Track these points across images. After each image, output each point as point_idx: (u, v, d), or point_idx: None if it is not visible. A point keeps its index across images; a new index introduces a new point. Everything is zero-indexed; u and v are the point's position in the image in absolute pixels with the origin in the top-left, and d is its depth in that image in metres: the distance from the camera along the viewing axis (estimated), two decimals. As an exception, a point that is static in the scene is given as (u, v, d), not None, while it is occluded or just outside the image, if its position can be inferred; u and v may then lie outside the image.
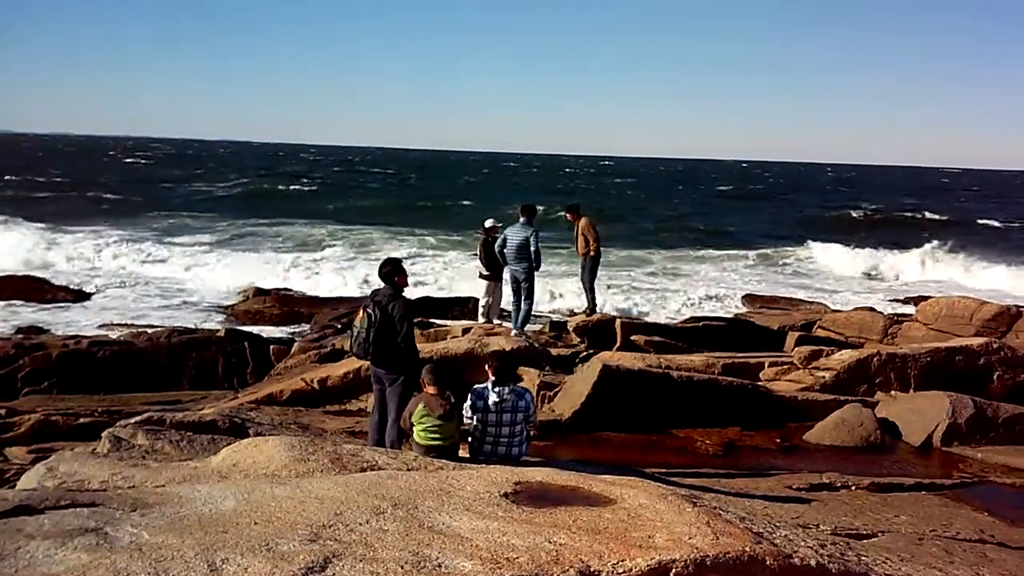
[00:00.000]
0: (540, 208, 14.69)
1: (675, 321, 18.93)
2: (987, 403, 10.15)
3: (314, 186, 74.21)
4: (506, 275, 13.50)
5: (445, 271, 29.67)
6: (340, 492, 4.51)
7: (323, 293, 25.39)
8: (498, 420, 6.99)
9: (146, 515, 4.01)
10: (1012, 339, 13.53)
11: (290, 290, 25.35)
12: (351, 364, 10.90)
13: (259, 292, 24.25)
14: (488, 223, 14.20)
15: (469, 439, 7.16)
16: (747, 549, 3.99)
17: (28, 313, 20.78)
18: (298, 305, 22.82)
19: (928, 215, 58.44)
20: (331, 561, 3.55)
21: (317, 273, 28.71)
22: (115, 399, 12.73)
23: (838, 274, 33.64)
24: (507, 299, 14.01)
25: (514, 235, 12.86)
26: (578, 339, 14.32)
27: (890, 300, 26.12)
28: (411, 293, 9.43)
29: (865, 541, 5.96)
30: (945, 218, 56.63)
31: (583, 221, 14.45)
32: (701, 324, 15.74)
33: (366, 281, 26.26)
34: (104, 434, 6.88)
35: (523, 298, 13.11)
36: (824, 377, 11.57)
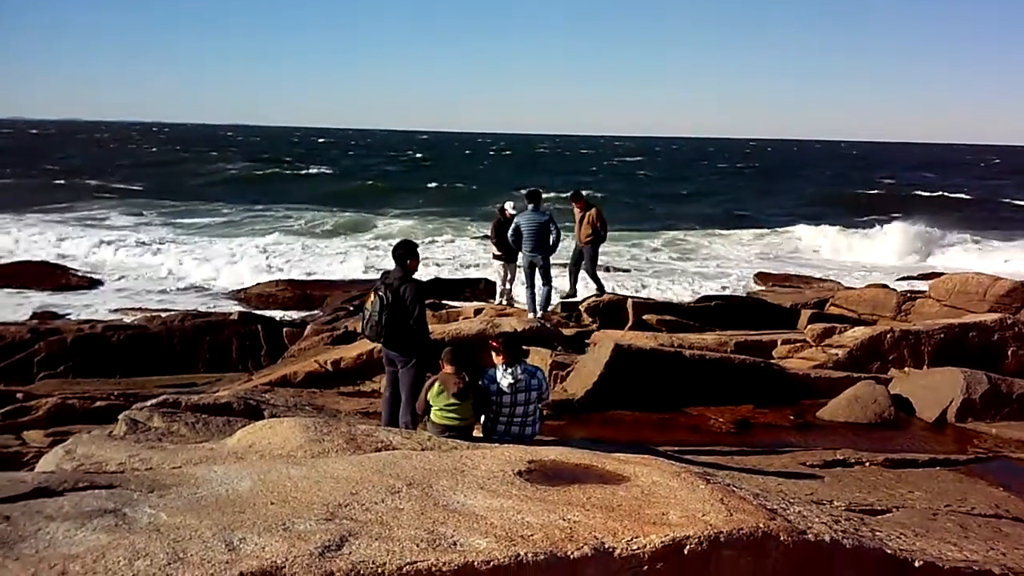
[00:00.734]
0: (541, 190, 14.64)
1: (687, 300, 18.91)
2: (1001, 379, 10.12)
3: (334, 169, 74.23)
4: (520, 261, 13.55)
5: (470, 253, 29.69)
6: (355, 472, 4.54)
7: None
8: (513, 400, 7.00)
9: (164, 496, 4.05)
10: (1026, 315, 13.45)
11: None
12: (364, 346, 10.94)
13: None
14: (508, 206, 14.30)
15: (483, 420, 7.19)
16: (761, 525, 4.00)
17: (43, 298, 20.92)
18: (310, 288, 22.88)
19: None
20: (347, 540, 3.58)
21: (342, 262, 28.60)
22: (130, 382, 12.83)
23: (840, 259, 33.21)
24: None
25: (529, 222, 12.92)
26: (590, 319, 14.30)
27: (903, 278, 26.01)
28: (423, 275, 9.48)
29: (879, 517, 5.96)
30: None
31: (593, 211, 14.36)
32: (713, 303, 15.69)
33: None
34: (120, 417, 6.93)
35: (542, 283, 13.24)
36: (837, 354, 11.54)
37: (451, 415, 6.90)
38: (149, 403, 7.64)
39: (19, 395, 11.01)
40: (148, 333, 14.65)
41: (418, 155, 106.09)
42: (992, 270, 19.93)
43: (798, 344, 12.42)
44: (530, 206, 13.04)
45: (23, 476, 4.49)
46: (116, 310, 19.59)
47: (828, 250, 34.58)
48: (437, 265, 26.76)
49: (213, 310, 18.90)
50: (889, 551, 4.33)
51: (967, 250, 32.91)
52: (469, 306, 16.53)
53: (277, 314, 18.94)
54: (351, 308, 18.54)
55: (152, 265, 27.11)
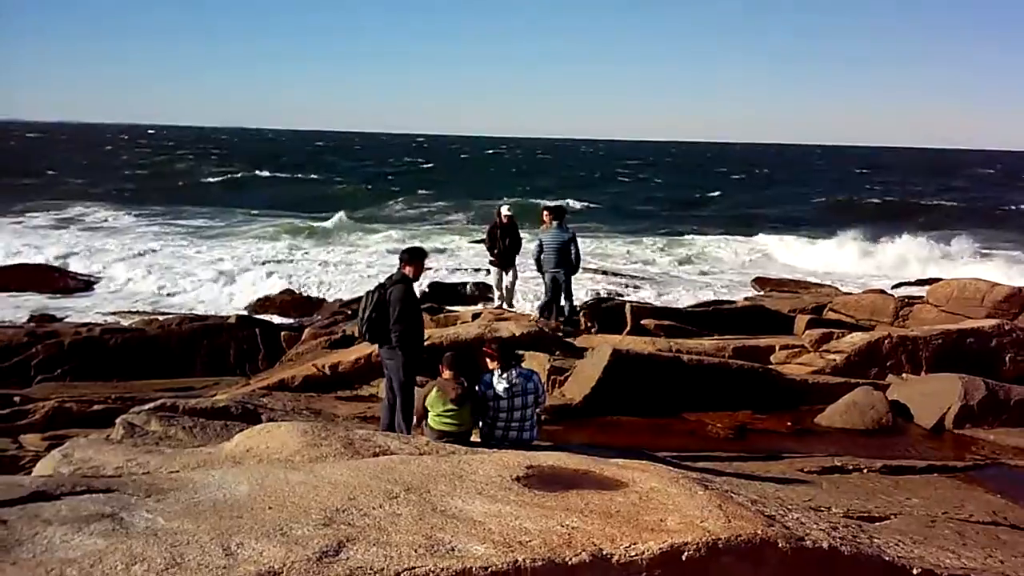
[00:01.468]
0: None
1: (685, 305, 18.92)
2: (999, 385, 10.11)
3: (330, 175, 74.16)
4: (544, 277, 13.40)
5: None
6: (353, 477, 4.54)
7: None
8: (510, 405, 7.01)
9: (161, 501, 4.04)
10: (1024, 321, 13.47)
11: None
12: (362, 350, 10.93)
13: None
14: (504, 210, 14.08)
15: (481, 425, 7.19)
16: (759, 532, 4.00)
17: (41, 301, 20.89)
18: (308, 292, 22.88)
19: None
20: (345, 545, 3.57)
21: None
22: (128, 386, 12.80)
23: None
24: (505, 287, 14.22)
25: (551, 240, 12.92)
26: (588, 323, 14.30)
27: (900, 283, 26.01)
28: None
29: (877, 524, 5.96)
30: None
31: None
32: (711, 308, 15.73)
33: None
34: (118, 421, 6.93)
35: (564, 297, 13.24)
36: (835, 360, 11.54)
37: (449, 421, 6.91)
38: (147, 407, 7.64)
39: (16, 398, 10.99)
40: (146, 336, 14.64)
41: (418, 159, 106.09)
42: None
43: (796, 349, 12.42)
44: (554, 223, 12.98)
45: (20, 480, 4.49)
46: (113, 313, 19.57)
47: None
48: (435, 270, 26.74)
49: (210, 314, 18.90)
50: (887, 558, 4.32)
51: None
52: (467, 310, 16.53)
53: (275, 318, 18.94)
54: (349, 312, 18.54)
55: (150, 267, 27.05)
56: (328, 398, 10.44)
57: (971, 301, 14.50)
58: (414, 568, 3.44)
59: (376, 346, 8.29)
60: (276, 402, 9.28)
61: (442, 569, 3.46)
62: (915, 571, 4.26)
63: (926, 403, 10.01)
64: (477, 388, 7.10)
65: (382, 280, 8.23)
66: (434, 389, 6.98)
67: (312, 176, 72.31)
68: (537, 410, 7.38)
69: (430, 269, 26.61)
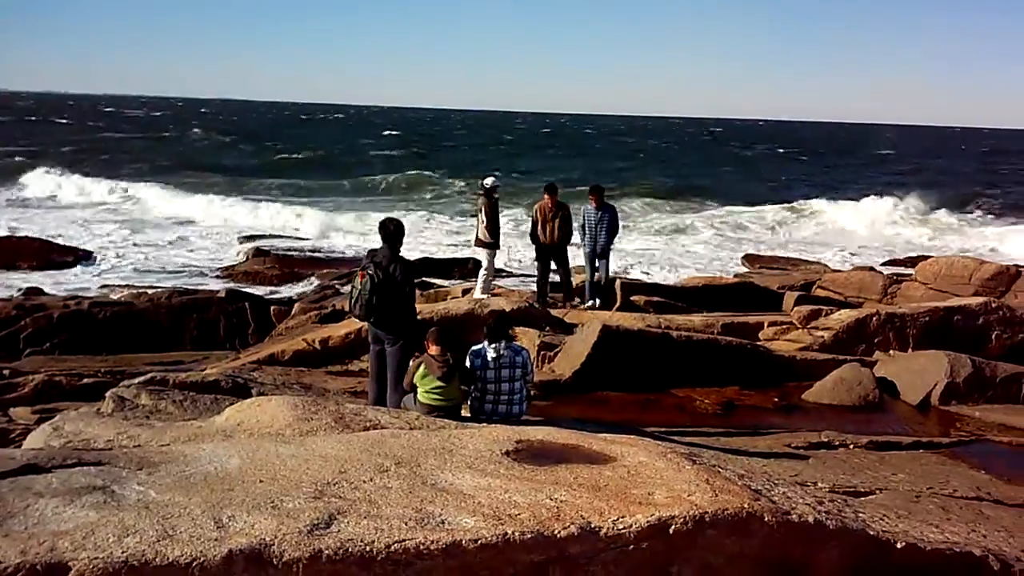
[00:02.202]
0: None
1: (675, 281, 18.98)
2: (985, 362, 10.20)
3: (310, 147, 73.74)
4: (585, 250, 13.47)
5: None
6: (344, 450, 4.56)
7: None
8: (497, 377, 7.05)
9: (152, 473, 4.05)
10: (1011, 299, 13.56)
11: (291, 251, 25.38)
12: (352, 325, 10.93)
13: (259, 253, 24.29)
14: (488, 181, 12.82)
15: (470, 400, 7.23)
16: (745, 506, 4.04)
17: (31, 275, 20.80)
18: (298, 266, 22.86)
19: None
20: (336, 518, 3.60)
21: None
22: (117, 360, 12.79)
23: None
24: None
25: (594, 213, 13.14)
26: (578, 299, 14.32)
27: (889, 261, 26.13)
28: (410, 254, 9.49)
29: (863, 498, 6.03)
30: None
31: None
32: (701, 284, 15.76)
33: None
34: (108, 394, 6.93)
35: (602, 271, 13.39)
36: (823, 336, 11.60)
37: (436, 396, 6.95)
38: (136, 381, 7.64)
39: (5, 372, 10.96)
40: (135, 310, 14.62)
41: (397, 132, 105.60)
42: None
43: (784, 326, 12.48)
44: (592, 201, 13.19)
45: (11, 453, 4.50)
46: (103, 287, 19.50)
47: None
48: (424, 245, 26.73)
49: (200, 287, 18.87)
50: (872, 532, 4.38)
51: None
52: (457, 285, 16.55)
53: (264, 291, 18.93)
54: (339, 286, 18.54)
55: (141, 242, 26.98)
56: (318, 372, 10.45)
57: (959, 279, 14.58)
58: (404, 541, 3.47)
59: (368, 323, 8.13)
60: (266, 376, 9.29)
61: (432, 542, 3.50)
62: (899, 545, 4.31)
63: (913, 380, 10.09)
64: (468, 357, 7.14)
65: (365, 257, 8.01)
66: (421, 366, 7.00)
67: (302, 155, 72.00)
68: (527, 385, 7.42)
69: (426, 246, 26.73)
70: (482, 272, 13.04)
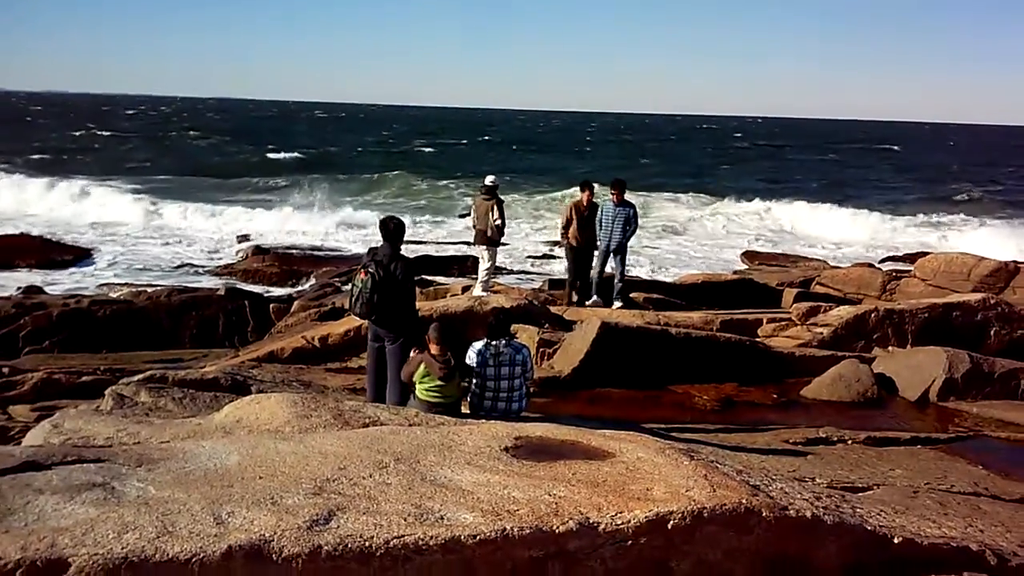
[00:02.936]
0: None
1: (673, 278, 19.00)
2: (983, 358, 10.21)
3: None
4: (600, 246, 13.06)
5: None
6: (343, 447, 4.57)
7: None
8: (496, 374, 7.07)
9: (152, 470, 4.07)
10: (1009, 295, 13.60)
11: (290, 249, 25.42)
12: (351, 322, 10.94)
13: (258, 251, 24.29)
14: (488, 179, 12.79)
15: (469, 396, 7.25)
16: (744, 501, 4.06)
17: (29, 272, 20.81)
18: (297, 264, 22.86)
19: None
20: (335, 514, 3.61)
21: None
22: (117, 357, 12.80)
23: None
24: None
25: (612, 208, 12.79)
26: (577, 297, 14.33)
27: (888, 257, 26.15)
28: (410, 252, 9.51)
29: (861, 494, 6.04)
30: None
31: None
32: (700, 281, 15.78)
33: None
34: (107, 392, 6.94)
35: (618, 269, 13.09)
36: (822, 333, 11.62)
37: (435, 394, 6.96)
38: (136, 378, 7.63)
39: (5, 369, 10.97)
40: (134, 308, 14.62)
41: (413, 130, 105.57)
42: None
43: (783, 323, 12.51)
44: (613, 196, 12.87)
45: (11, 450, 4.50)
46: (102, 285, 19.51)
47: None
48: (423, 243, 26.76)
49: (199, 285, 18.87)
50: (869, 527, 4.39)
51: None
52: (457, 283, 16.56)
53: (263, 290, 18.94)
54: (338, 284, 18.55)
55: (140, 239, 27.00)
56: (317, 370, 10.46)
57: (958, 275, 14.61)
58: (403, 536, 3.49)
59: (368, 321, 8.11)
60: (265, 374, 9.29)
61: (431, 537, 3.51)
62: (896, 540, 4.33)
63: (911, 376, 10.10)
64: (468, 353, 7.15)
65: (366, 255, 7.99)
66: (421, 366, 7.01)
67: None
68: (526, 382, 7.43)
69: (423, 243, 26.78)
70: (482, 270, 13.04)
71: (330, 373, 10.34)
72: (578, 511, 3.82)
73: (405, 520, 3.61)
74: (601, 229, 12.90)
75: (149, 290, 17.06)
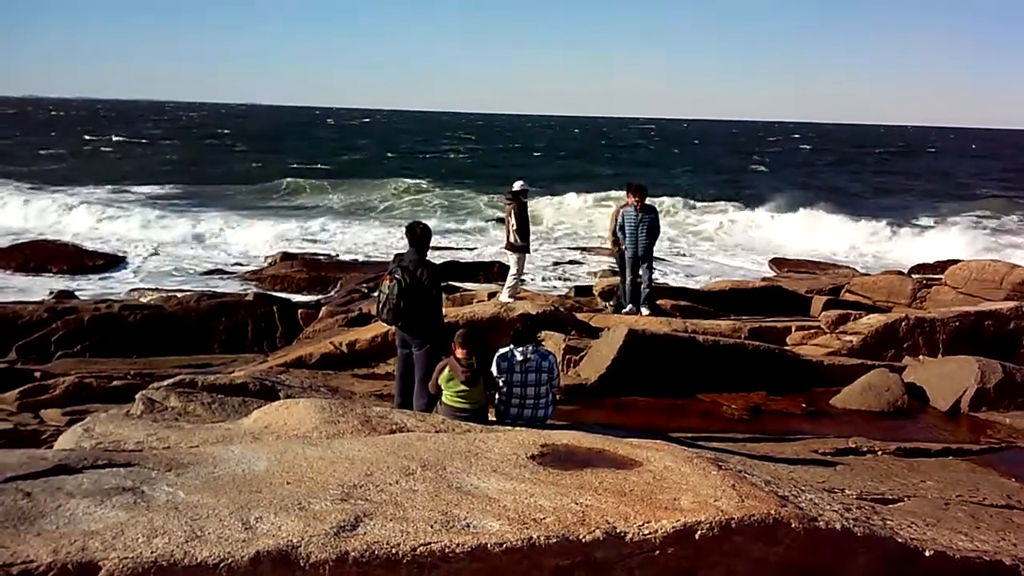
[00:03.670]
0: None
1: (701, 285, 18.90)
2: (1016, 368, 10.08)
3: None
4: (626, 253, 12.73)
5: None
6: (370, 453, 4.58)
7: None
8: (523, 380, 7.06)
9: (181, 475, 4.10)
10: (1043, 304, 13.38)
11: (317, 254, 25.60)
12: (379, 328, 10.99)
13: (287, 257, 24.45)
14: (518, 185, 12.49)
15: (495, 403, 7.24)
16: (772, 512, 4.02)
17: (61, 279, 21.09)
18: (325, 270, 22.98)
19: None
20: (362, 520, 3.62)
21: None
22: (147, 362, 12.93)
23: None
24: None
25: (634, 214, 12.49)
26: (604, 303, 14.31)
27: (918, 265, 25.86)
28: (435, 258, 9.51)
29: (891, 506, 5.97)
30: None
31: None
32: (728, 288, 15.69)
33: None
34: (138, 396, 7.00)
35: (646, 279, 12.87)
36: (851, 341, 11.52)
37: (461, 400, 6.97)
38: (166, 383, 7.70)
39: (37, 374, 11.12)
40: (164, 313, 14.75)
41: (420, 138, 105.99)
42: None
43: (812, 331, 12.40)
44: (633, 200, 12.52)
45: (43, 453, 4.56)
46: (133, 290, 19.71)
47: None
48: (450, 248, 26.85)
49: (228, 291, 19.02)
50: (900, 540, 4.34)
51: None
52: (483, 289, 16.58)
53: (292, 296, 19.05)
54: (366, 289, 18.63)
55: (170, 245, 27.28)
56: (345, 375, 10.52)
57: (989, 283, 14.41)
58: (430, 543, 3.49)
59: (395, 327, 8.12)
60: (294, 379, 9.34)
61: (457, 544, 3.51)
62: (928, 553, 4.27)
63: (942, 386, 9.99)
64: (495, 360, 7.15)
65: (392, 261, 8.05)
66: (446, 370, 7.03)
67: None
68: (552, 390, 7.42)
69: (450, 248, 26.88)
70: (511, 275, 12.93)
71: (357, 379, 10.39)
72: (605, 520, 3.80)
73: (432, 527, 3.61)
74: (626, 237, 12.65)
75: (179, 295, 17.21)
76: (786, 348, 11.26)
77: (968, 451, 8.31)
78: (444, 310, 8.82)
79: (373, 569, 3.38)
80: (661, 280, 21.14)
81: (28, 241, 24.59)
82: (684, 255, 27.93)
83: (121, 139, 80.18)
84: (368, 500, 3.88)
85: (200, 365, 12.49)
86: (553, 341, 10.52)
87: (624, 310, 12.94)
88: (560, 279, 22.69)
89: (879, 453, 8.03)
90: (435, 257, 9.87)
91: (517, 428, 6.22)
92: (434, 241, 9.61)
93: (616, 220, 12.90)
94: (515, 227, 12.41)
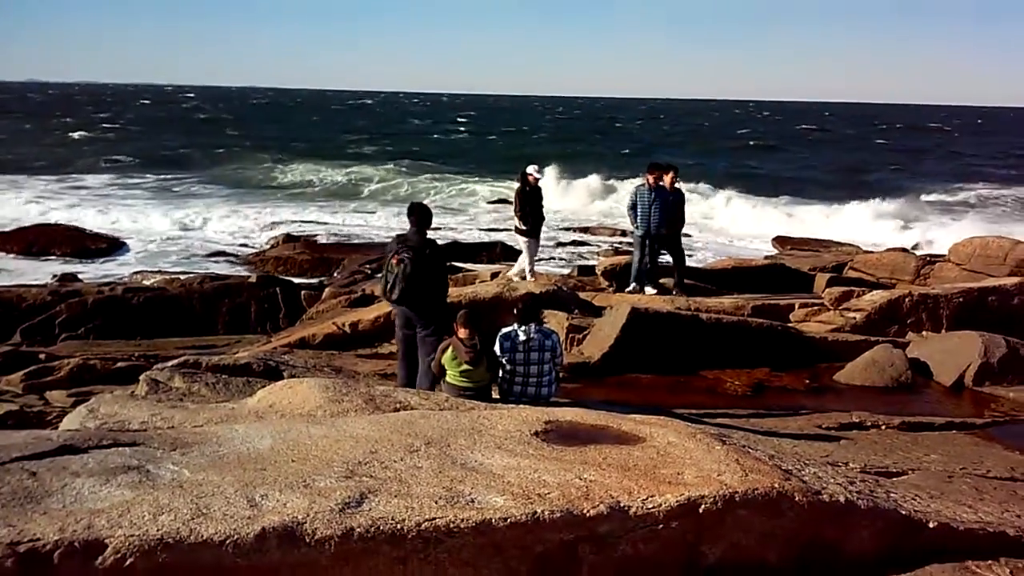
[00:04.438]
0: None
1: (704, 263, 18.88)
2: (1020, 343, 10.06)
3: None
4: (637, 233, 12.70)
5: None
6: (374, 431, 4.59)
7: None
8: (526, 359, 7.07)
9: (186, 454, 4.11)
10: (1047, 278, 13.35)
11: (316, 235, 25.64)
12: (382, 308, 11.00)
13: (289, 239, 24.46)
14: (531, 169, 12.51)
15: (499, 381, 7.25)
16: (776, 486, 4.03)
17: (64, 262, 21.11)
18: (327, 251, 23.00)
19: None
20: (367, 497, 3.63)
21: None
22: (151, 344, 12.96)
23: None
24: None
25: (648, 194, 12.37)
26: (606, 282, 14.30)
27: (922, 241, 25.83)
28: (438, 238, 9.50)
29: (895, 479, 5.97)
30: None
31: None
32: (731, 267, 15.67)
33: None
34: (142, 377, 7.01)
35: (677, 261, 12.92)
36: (855, 318, 11.52)
37: (464, 379, 6.98)
38: (170, 364, 7.73)
39: (41, 356, 11.15)
40: (167, 295, 14.77)
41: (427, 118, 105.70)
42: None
43: (816, 308, 12.39)
44: (649, 178, 12.39)
45: (48, 434, 4.57)
46: (136, 273, 19.74)
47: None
48: (452, 228, 26.85)
49: (231, 272, 19.04)
50: (904, 512, 4.35)
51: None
52: (485, 269, 16.57)
53: (294, 279, 19.07)
54: (369, 271, 18.63)
55: (172, 229, 27.27)
56: (348, 356, 10.53)
57: (994, 259, 14.38)
58: (435, 519, 3.50)
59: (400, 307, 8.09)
60: (297, 359, 9.36)
61: (462, 520, 3.52)
62: (931, 524, 4.28)
63: (946, 360, 9.98)
64: (498, 339, 7.16)
65: (394, 241, 8.02)
66: (449, 350, 7.03)
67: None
68: (556, 368, 7.43)
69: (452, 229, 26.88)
70: (520, 259, 13.03)
71: (361, 359, 10.40)
72: (609, 495, 3.81)
73: (436, 503, 3.62)
74: (637, 216, 12.52)
75: (182, 278, 17.23)
76: (789, 325, 11.25)
77: (972, 425, 8.31)
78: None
79: (378, 545, 3.40)
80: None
81: (31, 225, 24.59)
82: (687, 235, 27.86)
83: (117, 125, 79.80)
84: (373, 477, 3.89)
85: (204, 346, 12.52)
86: (556, 320, 10.52)
87: (627, 288, 12.94)
88: (563, 259, 22.68)
89: (883, 427, 8.03)
90: (436, 238, 9.78)
91: (521, 405, 6.24)
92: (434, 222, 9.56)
93: (630, 198, 12.83)
94: (517, 211, 12.48)
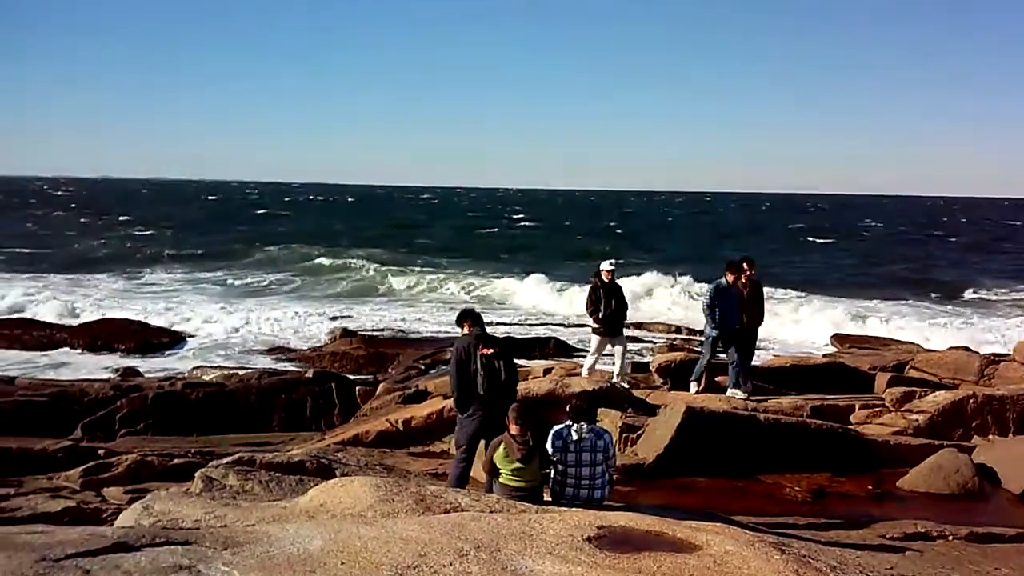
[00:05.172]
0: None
1: (761, 361, 18.61)
2: (1094, 448, 9.71)
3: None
4: (707, 334, 12.48)
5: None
6: (424, 533, 4.56)
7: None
8: (577, 460, 6.96)
9: (237, 553, 4.11)
10: (1120, 381, 12.92)
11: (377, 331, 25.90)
12: (435, 405, 11.04)
13: (346, 333, 24.74)
14: (606, 265, 12.47)
15: (551, 483, 7.15)
16: (837, 599, 3.90)
17: (126, 358, 21.59)
18: (383, 346, 23.18)
19: None
20: (415, 603, 3.59)
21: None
22: (207, 440, 13.11)
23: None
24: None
25: (729, 292, 12.24)
26: (660, 380, 14.15)
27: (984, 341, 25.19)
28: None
29: (964, 593, 5.74)
30: None
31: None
32: (788, 365, 15.42)
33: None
34: (197, 474, 7.08)
35: (751, 353, 12.73)
36: (917, 420, 11.22)
37: (517, 478, 6.90)
38: (225, 461, 7.78)
39: (100, 452, 11.33)
40: (225, 391, 15.00)
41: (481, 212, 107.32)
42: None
43: (877, 409, 12.10)
44: (729, 276, 12.18)
45: (103, 531, 4.61)
46: (196, 367, 20.08)
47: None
48: (505, 324, 26.98)
49: (288, 368, 19.27)
50: (974, 629, 4.16)
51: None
52: (539, 365, 16.54)
53: (350, 374, 19.23)
54: (423, 366, 18.72)
55: (230, 323, 27.78)
56: (400, 454, 10.53)
57: (1061, 360, 13.97)
58: (484, 628, 3.44)
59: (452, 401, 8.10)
60: (350, 457, 9.38)
61: (511, 629, 3.45)
62: (1004, 644, 4.09)
63: (1015, 467, 9.63)
64: (550, 437, 7.08)
65: (471, 340, 8.00)
66: (501, 447, 6.98)
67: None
68: (609, 469, 7.31)
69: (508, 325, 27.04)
70: (589, 359, 13.05)
71: (413, 457, 10.39)
72: (663, 606, 3.72)
73: (486, 611, 3.56)
74: (717, 315, 12.08)
75: (241, 373, 17.49)
76: (850, 427, 10.99)
77: (1045, 536, 7.96)
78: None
79: (426, 653, 3.34)
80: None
81: (96, 320, 25.24)
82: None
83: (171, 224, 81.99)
84: (422, 582, 3.85)
85: (259, 443, 12.62)
86: (609, 419, 10.41)
87: (743, 394, 12.28)
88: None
89: (950, 538, 7.73)
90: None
91: (573, 509, 6.14)
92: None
93: (708, 295, 12.46)
94: (589, 307, 12.53)
